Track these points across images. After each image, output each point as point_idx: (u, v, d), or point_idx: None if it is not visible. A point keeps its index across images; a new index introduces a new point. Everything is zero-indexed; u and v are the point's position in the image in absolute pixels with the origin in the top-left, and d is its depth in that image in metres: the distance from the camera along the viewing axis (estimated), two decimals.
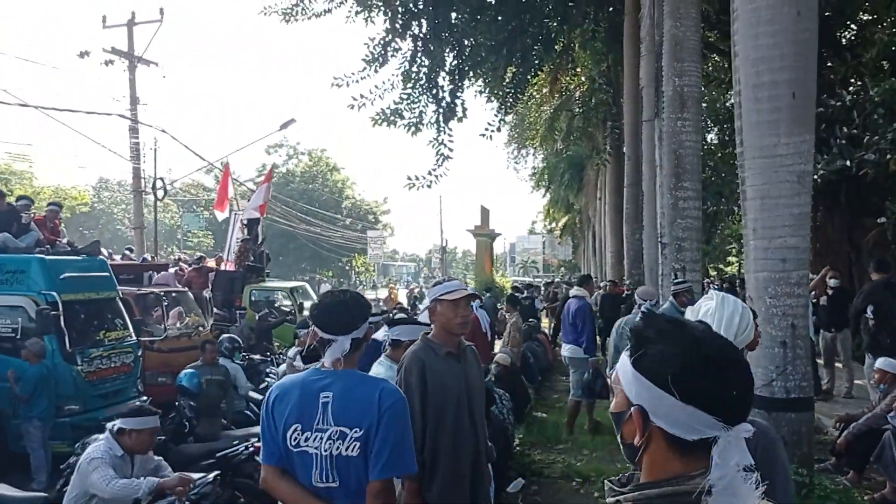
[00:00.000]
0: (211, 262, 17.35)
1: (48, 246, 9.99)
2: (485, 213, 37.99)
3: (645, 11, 12.11)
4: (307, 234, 46.53)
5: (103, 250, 12.22)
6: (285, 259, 51.59)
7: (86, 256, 10.08)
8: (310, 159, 60.93)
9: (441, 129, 17.85)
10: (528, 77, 18.82)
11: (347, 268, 63.81)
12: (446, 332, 3.68)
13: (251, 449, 6.72)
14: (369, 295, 38.98)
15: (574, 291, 9.61)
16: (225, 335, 9.14)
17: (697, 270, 9.63)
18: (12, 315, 8.88)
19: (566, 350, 9.27)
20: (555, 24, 17.84)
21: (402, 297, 33.88)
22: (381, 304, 19.66)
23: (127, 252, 15.73)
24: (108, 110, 18.91)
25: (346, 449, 2.64)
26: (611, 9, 17.73)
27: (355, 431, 2.64)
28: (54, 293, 8.77)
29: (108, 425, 5.08)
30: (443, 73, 17.72)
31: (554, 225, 59.61)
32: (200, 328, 11.73)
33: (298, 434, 2.69)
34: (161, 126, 20.73)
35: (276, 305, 15.98)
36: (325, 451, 2.66)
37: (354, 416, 2.65)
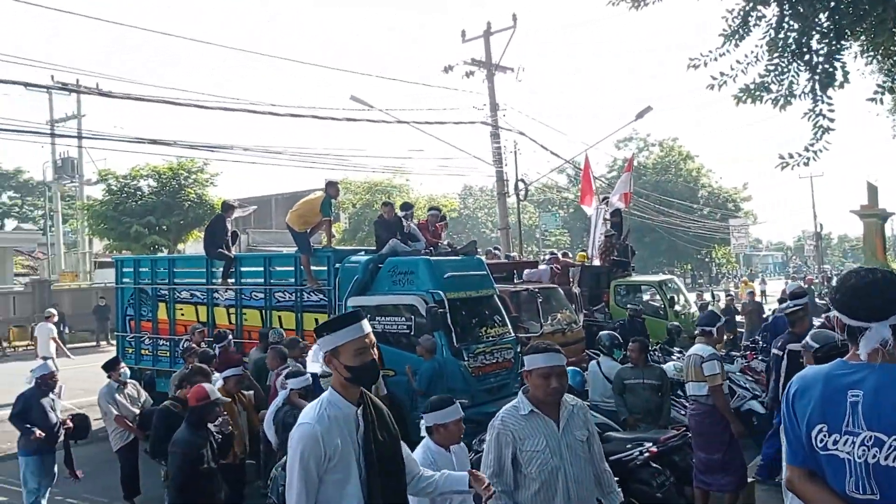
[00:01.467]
0: (577, 258, 17.35)
1: (431, 248, 10.64)
2: (872, 189, 33.18)
3: None
4: (664, 225, 45.11)
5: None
6: (641, 253, 50.47)
7: (464, 256, 10.55)
8: (661, 150, 59.28)
9: (818, 98, 15.77)
10: None
11: (707, 260, 60.81)
12: None
13: (646, 454, 6.26)
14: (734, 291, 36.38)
15: None
16: (604, 332, 8.85)
17: None
18: (406, 313, 9.57)
19: None
20: None
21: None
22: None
23: (492, 251, 16.43)
24: (471, 119, 19.96)
25: (886, 458, 2.19)
26: None
27: (894, 439, 2.18)
28: (440, 292, 9.24)
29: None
30: (816, 36, 15.65)
31: None
32: (574, 324, 11.64)
33: (825, 436, 2.32)
34: (519, 129, 21.48)
35: (644, 300, 15.43)
36: (860, 457, 2.24)
37: (892, 420, 2.19)
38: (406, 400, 9.19)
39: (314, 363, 7.65)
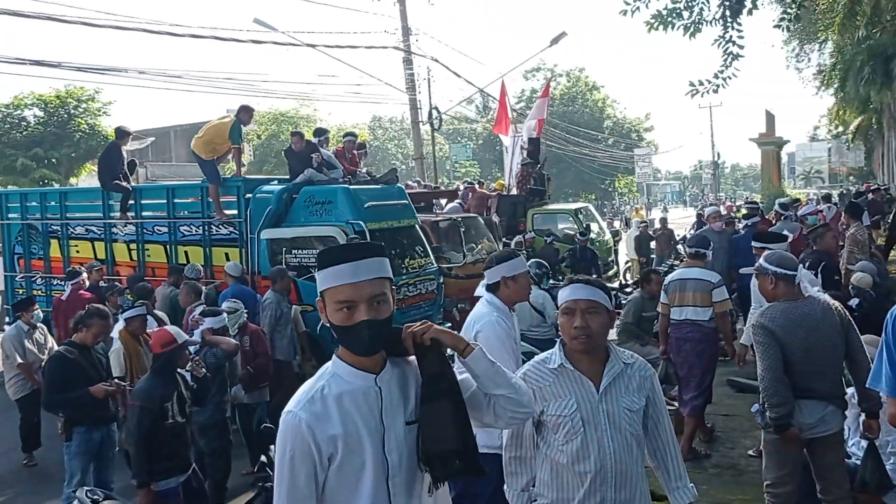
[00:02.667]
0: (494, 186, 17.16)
1: (349, 177, 10.13)
2: (770, 118, 34.33)
3: None
4: (574, 154, 45.57)
5: None
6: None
7: (384, 185, 10.11)
8: (568, 80, 59.45)
9: (728, 24, 15.89)
10: None
11: (610, 189, 62.11)
12: None
13: None
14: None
15: None
16: (532, 260, 8.66)
17: None
18: (324, 245, 9.11)
19: None
20: None
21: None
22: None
23: (411, 183, 16.01)
24: (383, 44, 19.21)
25: None
26: None
27: None
28: (361, 222, 8.84)
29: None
30: None
31: (842, 129, 53.17)
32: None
33: None
34: (432, 55, 20.86)
35: (560, 228, 15.43)
36: None
37: None
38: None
39: None
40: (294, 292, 8.78)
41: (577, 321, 2.63)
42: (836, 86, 37.78)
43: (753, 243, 6.02)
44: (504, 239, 13.76)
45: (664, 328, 6.45)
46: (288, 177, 10.11)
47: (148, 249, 10.51)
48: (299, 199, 9.43)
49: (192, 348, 5.69)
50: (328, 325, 2.03)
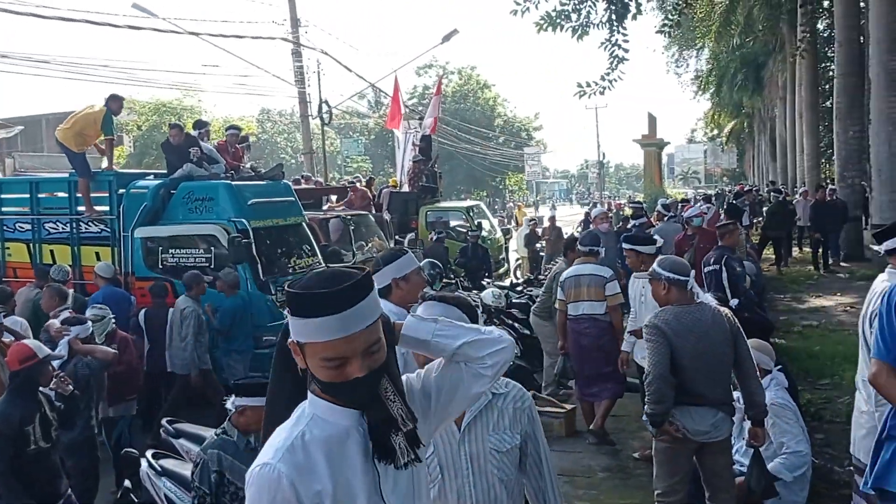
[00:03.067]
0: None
1: (232, 172, 9.66)
2: (652, 120, 35.74)
3: None
4: (465, 152, 45.88)
5: None
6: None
7: (270, 181, 9.69)
8: (460, 78, 59.84)
9: (614, 28, 16.31)
10: None
11: (501, 187, 63.02)
12: None
13: None
14: (529, 212, 37.94)
15: None
16: (426, 259, 8.50)
17: None
18: (204, 244, 8.64)
19: None
20: None
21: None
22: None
23: (300, 178, 15.55)
24: (271, 34, 18.60)
25: None
26: None
27: None
28: (244, 220, 8.43)
29: None
30: None
31: (717, 132, 56.09)
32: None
33: None
34: (322, 48, 20.32)
35: (451, 226, 15.37)
36: None
37: None
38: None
39: None
40: (171, 295, 8.26)
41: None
42: (711, 91, 39.85)
43: (624, 245, 6.24)
44: (397, 237, 13.57)
45: (562, 324, 6.57)
46: (166, 171, 9.54)
47: (8, 248, 9.68)
48: (177, 196, 8.89)
49: (55, 363, 5.17)
50: (307, 371, 1.65)
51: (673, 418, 3.84)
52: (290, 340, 1.62)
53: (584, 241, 6.90)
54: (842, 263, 14.66)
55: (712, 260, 7.05)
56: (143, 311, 7.92)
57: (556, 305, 6.71)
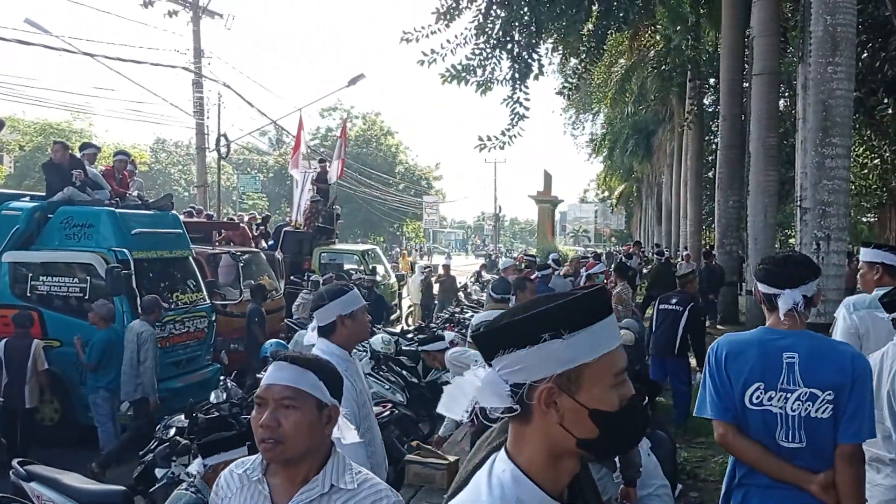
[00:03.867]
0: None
1: (117, 199, 9.21)
2: (548, 178, 36.83)
3: None
4: (365, 196, 45.79)
5: None
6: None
7: (157, 211, 9.30)
8: (364, 123, 60.11)
9: (517, 86, 16.85)
10: (609, 32, 17.54)
11: (398, 233, 63.20)
12: None
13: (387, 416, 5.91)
14: (424, 261, 38.13)
15: None
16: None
17: (843, 240, 8.42)
18: (80, 273, 8.16)
19: None
20: None
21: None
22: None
23: (192, 210, 15.03)
24: (172, 63, 18.13)
25: (816, 411, 2.62)
26: None
27: (828, 394, 2.60)
28: (125, 250, 8.04)
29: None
30: (518, 27, 16.64)
31: (608, 194, 58.40)
32: (274, 292, 10.94)
33: (761, 393, 2.69)
34: (224, 80, 19.88)
35: (345, 269, 15.18)
36: (793, 411, 2.65)
37: (826, 379, 2.62)
38: (73, 375, 7.87)
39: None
40: (37, 326, 7.71)
41: (263, 417, 1.82)
42: (604, 154, 41.64)
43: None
44: (293, 277, 13.27)
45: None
46: (44, 194, 8.99)
47: None
48: (55, 220, 8.39)
49: None
50: (580, 426, 1.20)
51: None
52: (542, 387, 1.19)
53: (497, 288, 7.04)
54: (718, 326, 15.37)
55: (676, 301, 7.65)
56: (3, 342, 7.33)
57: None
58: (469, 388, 1.21)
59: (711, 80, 22.23)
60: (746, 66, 14.24)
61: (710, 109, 24.38)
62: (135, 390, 7.37)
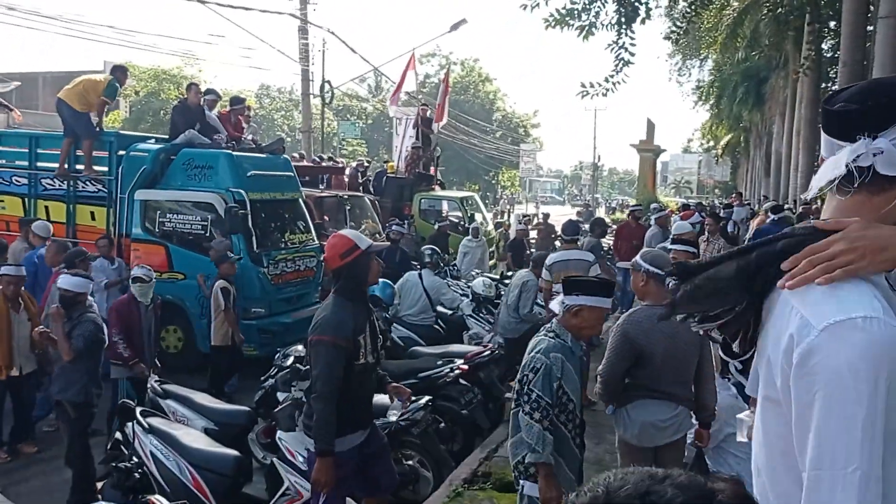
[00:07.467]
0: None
1: (233, 143, 9.67)
2: (650, 127, 35.86)
3: None
4: (462, 143, 45.82)
5: None
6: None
7: (270, 155, 9.71)
8: (462, 69, 59.71)
9: (622, 30, 16.38)
10: None
11: (494, 182, 63.00)
12: None
13: (456, 371, 6.10)
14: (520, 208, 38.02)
15: None
16: (426, 246, 8.54)
17: None
18: (202, 212, 8.67)
19: None
20: None
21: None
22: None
23: (296, 156, 15.53)
24: (279, 9, 18.53)
25: None
26: None
27: None
28: (242, 191, 8.46)
29: None
30: None
31: (713, 143, 56.27)
32: (377, 235, 11.28)
33: None
34: (329, 27, 20.28)
35: (444, 215, 15.41)
36: None
37: None
38: (195, 307, 8.43)
39: None
40: (164, 259, 8.30)
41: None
42: (711, 102, 39.98)
43: (672, 246, 6.50)
44: (395, 219, 13.59)
45: (548, 301, 6.89)
46: (166, 136, 9.54)
47: (3, 201, 9.66)
48: (177, 161, 8.91)
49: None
50: None
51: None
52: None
53: (567, 230, 7.68)
54: None
55: None
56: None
57: (542, 284, 7.12)
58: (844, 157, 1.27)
59: (832, 24, 20.97)
60: (872, 7, 13.41)
61: (828, 55, 23.04)
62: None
